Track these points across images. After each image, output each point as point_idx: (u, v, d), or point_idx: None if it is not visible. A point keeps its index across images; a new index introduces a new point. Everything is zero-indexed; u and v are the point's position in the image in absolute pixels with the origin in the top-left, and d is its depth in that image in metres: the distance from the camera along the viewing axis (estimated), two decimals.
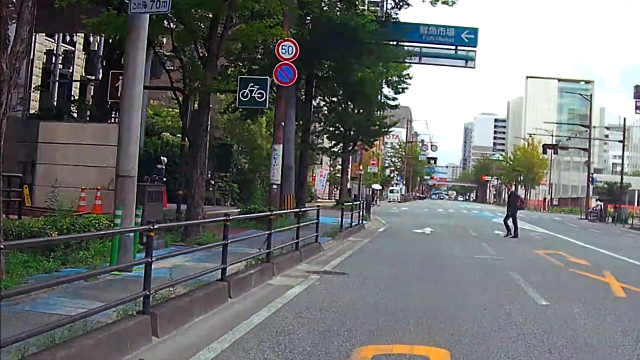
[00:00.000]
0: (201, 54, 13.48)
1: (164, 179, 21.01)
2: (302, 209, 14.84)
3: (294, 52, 17.37)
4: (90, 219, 10.41)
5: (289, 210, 16.24)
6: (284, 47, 17.36)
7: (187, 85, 13.09)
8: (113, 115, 21.52)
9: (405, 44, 25.90)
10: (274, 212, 10.20)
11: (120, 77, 14.57)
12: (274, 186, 18.10)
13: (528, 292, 9.86)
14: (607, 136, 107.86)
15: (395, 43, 25.27)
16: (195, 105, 14.59)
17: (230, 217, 8.20)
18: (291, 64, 17.42)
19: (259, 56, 21.45)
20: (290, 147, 20.17)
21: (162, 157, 22.13)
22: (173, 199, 17.82)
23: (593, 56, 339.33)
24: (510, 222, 22.31)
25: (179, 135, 24.22)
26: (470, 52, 26.26)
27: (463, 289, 10.05)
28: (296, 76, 17.85)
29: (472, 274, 12.08)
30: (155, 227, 6.02)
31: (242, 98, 13.88)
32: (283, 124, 18.59)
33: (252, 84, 13.90)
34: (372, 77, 28.76)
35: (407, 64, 36.83)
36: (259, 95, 13.83)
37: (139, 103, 9.07)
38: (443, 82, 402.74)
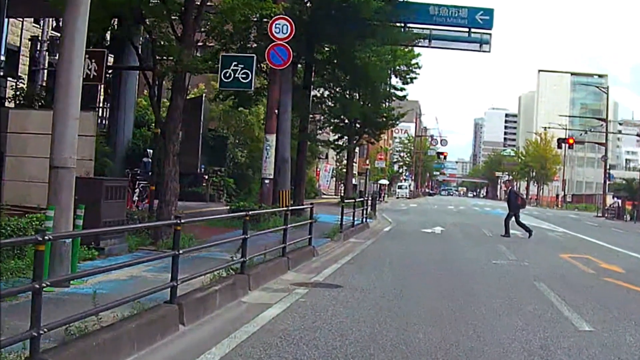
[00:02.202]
0: (176, 29, 11.64)
1: (150, 173, 19.17)
2: (292, 208, 12.96)
3: (288, 31, 15.46)
4: (31, 219, 8.67)
5: (272, 210, 14.24)
6: (277, 25, 15.47)
7: (157, 64, 11.24)
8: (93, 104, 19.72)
9: (414, 25, 23.89)
10: (250, 212, 8.34)
11: (92, 58, 13.02)
12: (266, 181, 16.18)
13: (563, 312, 7.99)
14: (620, 132, 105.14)
15: (402, 25, 23.25)
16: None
17: (183, 221, 6.35)
18: (285, 44, 15.53)
19: (253, 39, 19.49)
20: (285, 137, 18.22)
21: (148, 150, 20.28)
22: None
23: (604, 52, 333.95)
24: (513, 221, 20.42)
25: None
26: (485, 34, 24.20)
27: (483, 307, 8.14)
28: (291, 58, 15.93)
29: (492, 286, 10.18)
30: (46, 237, 4.20)
31: (224, 79, 12.04)
32: (276, 111, 16.65)
33: (235, 63, 12.04)
34: (378, 62, 26.69)
35: (415, 52, 34.95)
36: (244, 76, 11.98)
37: (78, 77, 7.23)
38: (452, 76, 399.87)
